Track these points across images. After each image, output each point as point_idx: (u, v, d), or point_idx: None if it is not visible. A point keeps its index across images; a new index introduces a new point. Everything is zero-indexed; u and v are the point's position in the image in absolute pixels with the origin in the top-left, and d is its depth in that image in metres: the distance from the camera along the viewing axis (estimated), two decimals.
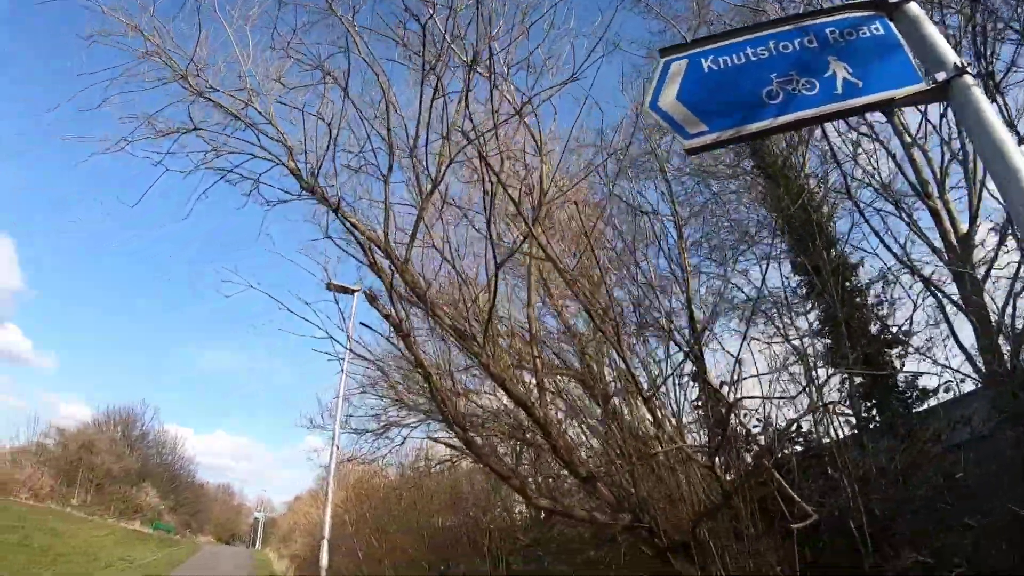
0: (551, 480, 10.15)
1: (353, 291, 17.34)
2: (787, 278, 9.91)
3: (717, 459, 6.14)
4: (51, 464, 57.87)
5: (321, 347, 7.73)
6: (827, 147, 9.74)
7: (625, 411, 8.22)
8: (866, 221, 9.44)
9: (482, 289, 7.75)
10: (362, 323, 8.79)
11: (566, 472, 7.66)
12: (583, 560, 10.78)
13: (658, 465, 7.61)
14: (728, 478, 6.87)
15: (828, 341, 9.33)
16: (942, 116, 8.66)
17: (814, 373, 8.07)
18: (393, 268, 6.85)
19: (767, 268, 8.60)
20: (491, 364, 6.84)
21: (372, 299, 7.08)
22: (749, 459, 7.13)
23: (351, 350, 8.88)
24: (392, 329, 7.05)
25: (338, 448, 17.20)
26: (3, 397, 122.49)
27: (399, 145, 7.10)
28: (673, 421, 7.82)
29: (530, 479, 10.19)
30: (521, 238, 7.51)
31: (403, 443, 21.50)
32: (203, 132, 7.22)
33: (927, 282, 8.82)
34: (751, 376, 6.86)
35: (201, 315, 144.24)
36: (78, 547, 31.08)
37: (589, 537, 11.16)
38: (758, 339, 8.70)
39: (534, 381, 7.57)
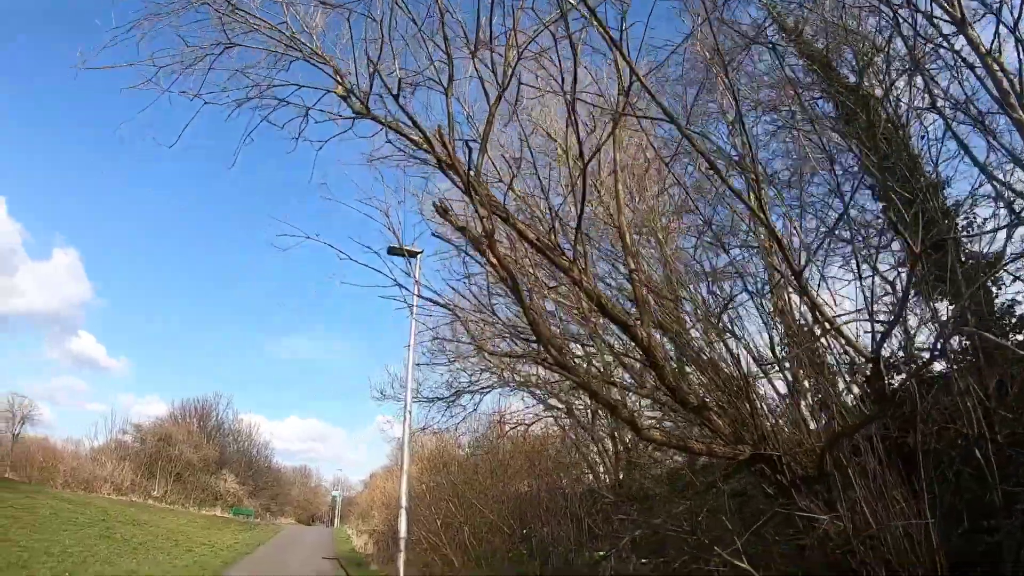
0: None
1: (416, 253, 16.52)
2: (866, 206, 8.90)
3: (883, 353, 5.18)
4: (131, 459, 58.80)
5: (388, 297, 7.13)
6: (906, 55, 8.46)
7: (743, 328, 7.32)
8: (954, 136, 8.12)
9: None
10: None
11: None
12: (670, 515, 9.83)
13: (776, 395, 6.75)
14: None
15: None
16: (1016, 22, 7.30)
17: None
18: (463, 180, 5.92)
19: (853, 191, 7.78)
20: (584, 280, 5.84)
21: (444, 211, 6.21)
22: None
23: (419, 295, 7.92)
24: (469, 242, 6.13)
25: (410, 413, 16.44)
26: (83, 402, 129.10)
27: (458, 47, 6.15)
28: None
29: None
30: (607, 131, 6.40)
31: (475, 410, 21.06)
32: (245, 70, 6.41)
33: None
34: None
35: (268, 306, 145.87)
36: (160, 535, 31.18)
37: (673, 492, 10.53)
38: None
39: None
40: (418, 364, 16.88)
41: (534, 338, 7.09)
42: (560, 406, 18.38)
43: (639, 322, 5.99)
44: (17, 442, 55.22)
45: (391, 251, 16.88)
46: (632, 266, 6.51)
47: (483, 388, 19.89)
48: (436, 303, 8.23)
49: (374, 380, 20.52)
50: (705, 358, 7.23)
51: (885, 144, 7.86)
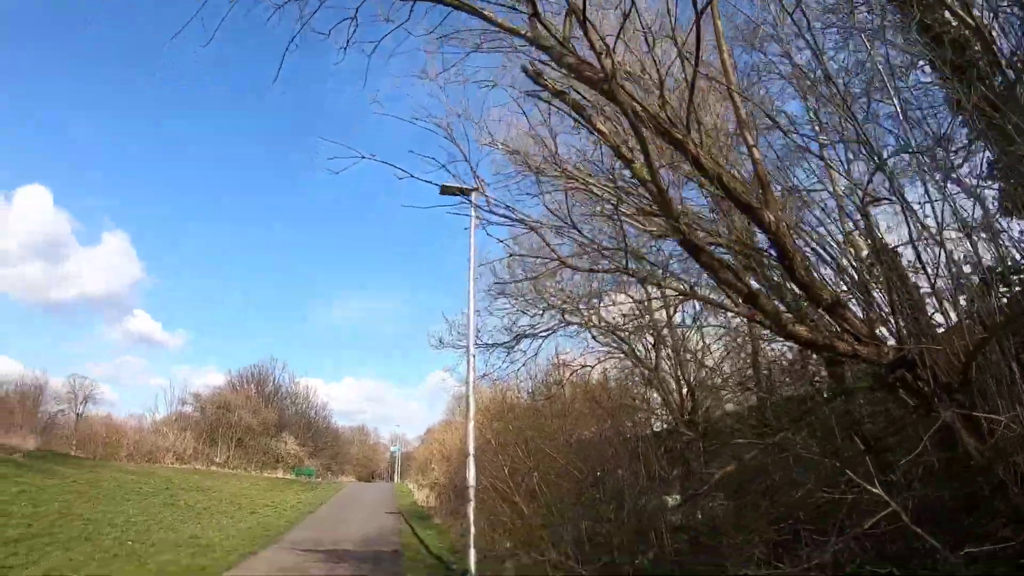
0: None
1: (470, 191, 15.88)
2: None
3: None
4: (192, 428, 60.30)
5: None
6: None
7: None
8: None
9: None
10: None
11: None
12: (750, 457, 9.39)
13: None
14: None
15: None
16: None
17: None
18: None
19: None
20: (701, 154, 5.05)
21: (538, 75, 5.53)
22: None
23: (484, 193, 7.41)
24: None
25: (474, 356, 15.96)
26: (144, 378, 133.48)
27: None
28: None
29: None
30: None
31: (535, 355, 20.65)
32: None
33: None
34: None
35: (320, 271, 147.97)
36: (224, 499, 31.49)
37: (746, 429, 10.14)
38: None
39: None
40: (478, 311, 16.52)
41: (620, 252, 6.60)
42: (623, 347, 18.00)
43: (764, 204, 5.35)
44: (81, 421, 56.53)
45: (444, 190, 16.31)
46: (750, 140, 5.85)
47: (544, 331, 19.58)
48: (509, 217, 7.74)
49: (432, 329, 20.30)
50: (837, 250, 6.62)
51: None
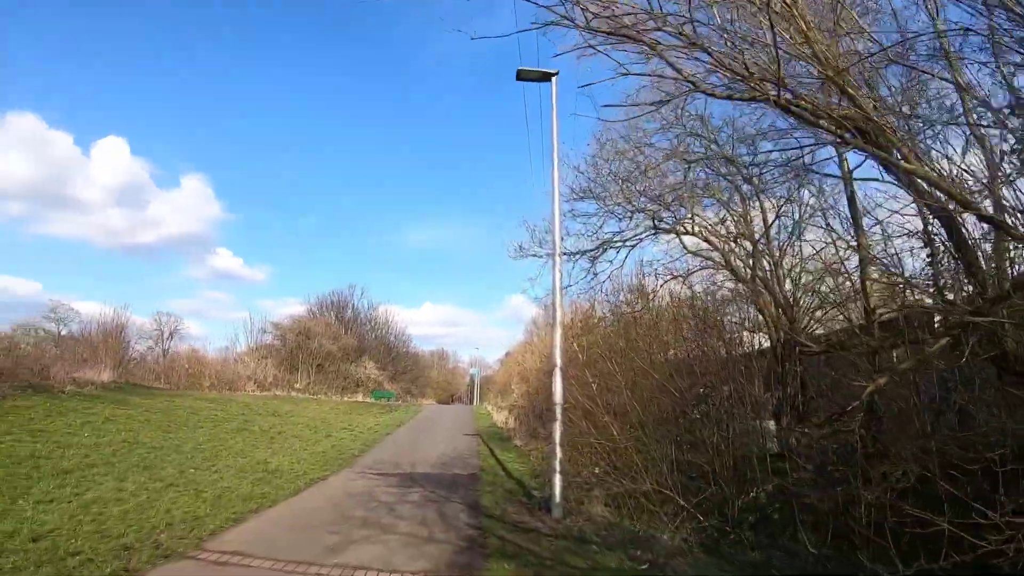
0: None
1: (551, 75, 14.53)
2: None
3: None
4: (273, 356, 61.04)
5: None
6: None
7: None
8: None
9: None
10: None
11: None
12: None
13: None
14: None
15: None
16: None
17: None
18: None
19: None
20: None
21: None
22: None
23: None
24: None
25: (560, 256, 14.57)
26: (229, 312, 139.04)
27: None
28: None
29: None
30: None
31: (621, 266, 19.33)
32: None
33: None
34: None
35: (397, 195, 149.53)
36: (300, 424, 31.28)
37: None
38: None
39: None
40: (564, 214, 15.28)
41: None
42: (717, 258, 16.69)
43: None
44: (167, 356, 57.66)
45: (521, 75, 14.75)
46: None
47: (631, 239, 18.26)
48: (614, 34, 6.33)
49: (511, 237, 19.22)
50: None
51: None
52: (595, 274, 19.23)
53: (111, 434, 18.24)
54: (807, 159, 12.98)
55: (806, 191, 14.87)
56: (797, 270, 15.24)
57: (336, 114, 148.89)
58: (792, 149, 12.67)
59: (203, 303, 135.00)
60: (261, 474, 16.17)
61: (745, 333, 15.38)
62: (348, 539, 10.26)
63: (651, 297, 18.23)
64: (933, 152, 7.34)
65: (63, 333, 52.78)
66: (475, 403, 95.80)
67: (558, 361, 13.57)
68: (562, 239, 14.75)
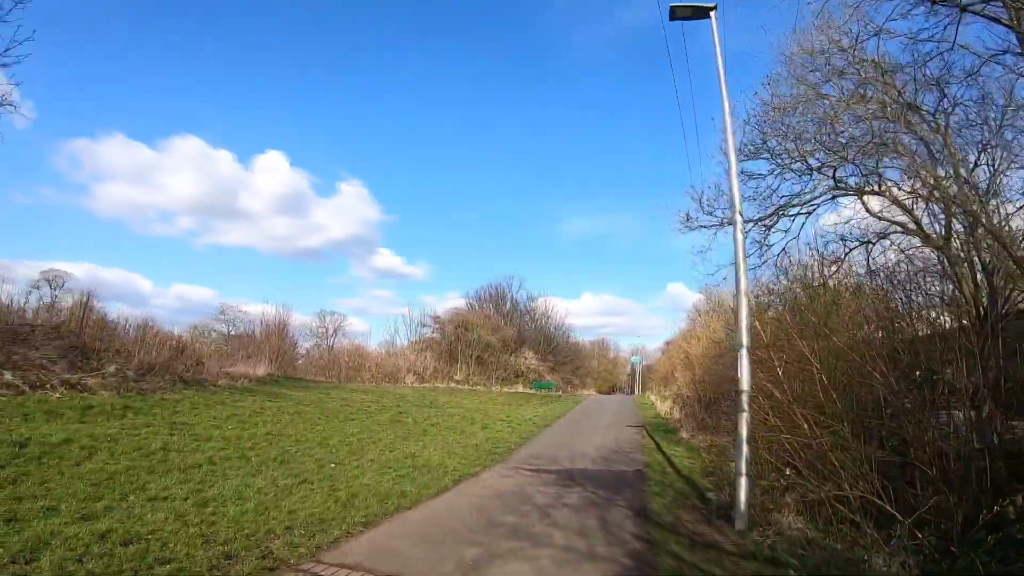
0: None
1: (708, 10, 12.71)
2: None
3: None
4: (433, 349, 61.80)
5: None
6: None
7: None
8: None
9: None
10: None
11: None
12: None
13: None
14: None
15: None
16: None
17: None
18: None
19: None
20: None
21: None
22: None
23: None
24: None
25: (740, 216, 12.35)
26: (391, 308, 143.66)
27: None
28: None
29: None
30: None
31: (795, 237, 17.15)
32: None
33: None
34: None
35: (553, 187, 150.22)
36: (456, 415, 30.27)
37: None
38: None
39: None
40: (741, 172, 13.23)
41: None
42: (906, 221, 14.31)
43: None
44: (331, 351, 59.72)
45: (674, 14, 12.72)
46: None
47: (809, 203, 16.14)
48: None
49: (675, 205, 17.47)
50: None
51: None
52: (767, 246, 17.17)
53: (255, 427, 17.52)
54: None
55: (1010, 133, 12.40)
56: (1005, 231, 12.51)
57: (488, 109, 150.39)
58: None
59: (366, 301, 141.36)
60: (407, 470, 14.93)
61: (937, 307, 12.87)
62: (491, 553, 8.60)
63: (837, 267, 15.92)
64: None
65: (232, 333, 54.95)
66: (636, 392, 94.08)
67: (744, 339, 11.18)
68: (740, 197, 12.54)
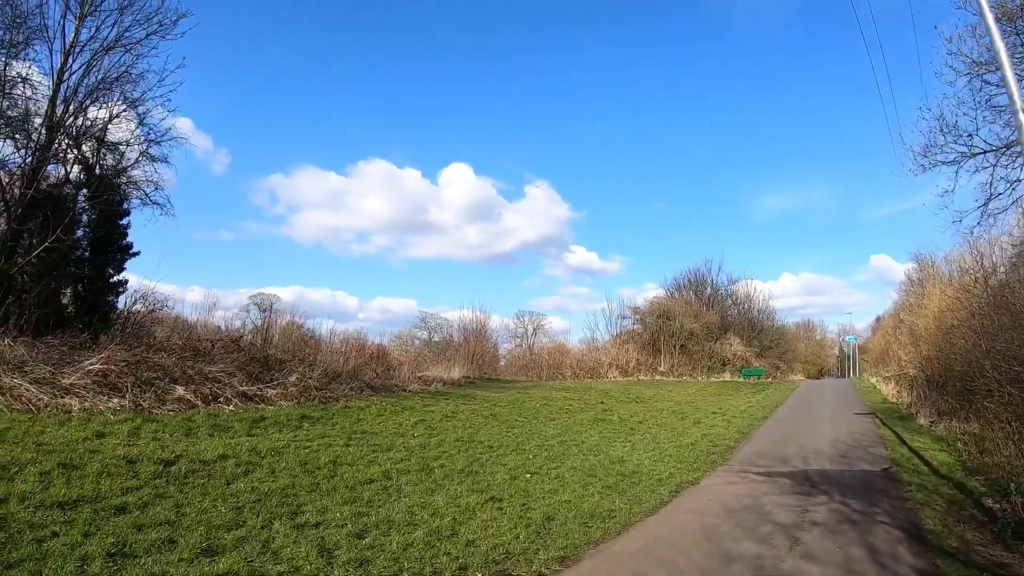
0: None
1: None
2: None
3: None
4: (634, 341, 59.88)
5: None
6: None
7: None
8: None
9: None
10: None
11: None
12: None
13: None
14: None
15: None
16: None
17: None
18: None
19: None
20: None
21: None
22: None
23: None
24: None
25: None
26: (588, 304, 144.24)
27: None
28: None
29: None
30: None
31: None
32: None
33: None
34: None
35: (742, 167, 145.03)
36: (664, 410, 27.59)
37: None
38: None
39: None
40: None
41: None
42: None
43: None
44: (531, 351, 59.75)
45: None
46: None
47: None
48: None
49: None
50: None
51: None
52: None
53: (444, 433, 15.71)
54: None
55: None
56: None
57: (666, 95, 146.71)
58: None
59: (563, 299, 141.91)
60: (614, 479, 12.60)
61: None
62: None
63: None
64: None
65: (434, 339, 55.52)
66: (850, 375, 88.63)
67: None
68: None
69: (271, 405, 15.68)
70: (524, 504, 10.04)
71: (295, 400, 16.53)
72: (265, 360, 18.59)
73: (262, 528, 7.77)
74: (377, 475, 11.05)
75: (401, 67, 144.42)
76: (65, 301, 19.80)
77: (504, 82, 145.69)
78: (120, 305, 21.18)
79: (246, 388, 16.08)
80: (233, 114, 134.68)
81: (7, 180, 17.75)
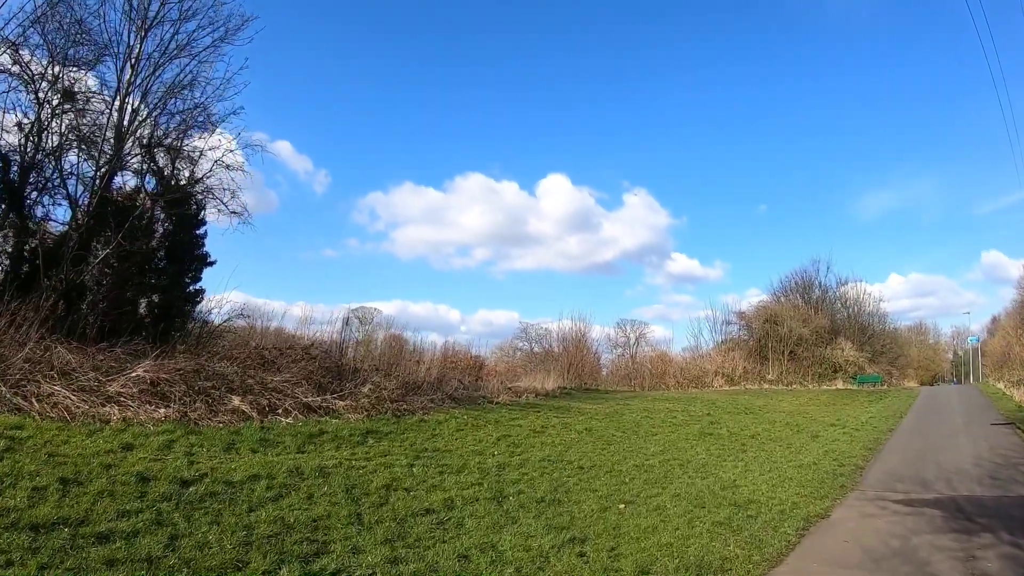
0: None
1: None
2: None
3: None
4: (740, 348, 57.49)
5: None
6: None
7: None
8: None
9: None
10: None
11: None
12: None
13: None
14: None
15: None
16: None
17: None
18: None
19: None
20: None
21: None
22: None
23: None
24: None
25: None
26: (692, 312, 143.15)
27: None
28: None
29: None
30: None
31: None
32: None
33: None
34: None
35: (846, 166, 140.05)
36: (777, 422, 24.93)
37: None
38: None
39: None
40: None
41: None
42: None
43: None
44: (634, 360, 57.37)
45: None
46: None
47: None
48: None
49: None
50: None
51: None
52: None
53: (529, 451, 13.79)
54: None
55: None
56: None
57: (757, 94, 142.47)
58: None
59: (666, 307, 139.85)
60: (726, 511, 10.47)
61: None
62: None
63: None
64: None
65: (535, 350, 54.44)
66: (972, 380, 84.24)
67: None
68: None
69: (337, 418, 14.08)
70: (613, 549, 8.02)
71: (365, 413, 14.90)
72: (338, 369, 17.11)
73: (264, 573, 6.07)
74: (437, 504, 9.19)
75: (494, 80, 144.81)
76: (142, 311, 18.94)
77: (598, 88, 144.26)
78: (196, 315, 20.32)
79: (311, 399, 14.57)
80: (331, 135, 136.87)
81: (80, 191, 17.32)
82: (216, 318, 20.88)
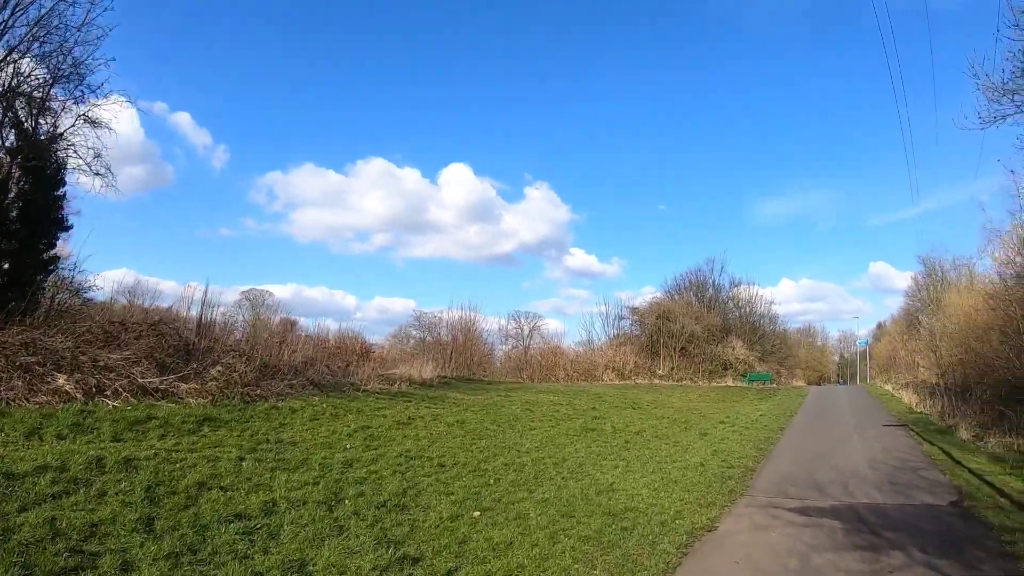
0: None
1: None
2: None
3: None
4: (632, 343, 57.15)
5: None
6: None
7: None
8: None
9: None
10: None
11: None
12: None
13: None
14: None
15: None
16: None
17: None
18: None
19: None
20: None
21: None
22: None
23: None
24: None
25: None
26: (587, 307, 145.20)
27: None
28: None
29: None
30: None
31: None
32: None
33: None
34: None
35: (744, 173, 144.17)
36: (665, 418, 24.33)
37: None
38: None
39: None
40: None
41: None
42: None
43: None
44: (526, 352, 57.81)
45: None
46: None
47: None
48: None
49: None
50: None
51: None
52: None
53: (388, 445, 12.47)
54: None
55: None
56: None
57: (668, 99, 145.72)
58: None
59: (562, 301, 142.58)
60: (598, 521, 9.42)
61: None
62: None
63: None
64: None
65: (428, 339, 53.63)
66: (858, 381, 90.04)
67: None
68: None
69: (176, 402, 12.48)
70: (450, 573, 6.82)
71: (211, 397, 13.31)
72: (187, 348, 15.38)
73: None
74: (254, 508, 7.78)
75: (399, 67, 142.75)
76: None
77: (502, 83, 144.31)
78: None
79: (149, 380, 12.88)
80: (232, 111, 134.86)
81: None
82: (100, 296, 19.16)
